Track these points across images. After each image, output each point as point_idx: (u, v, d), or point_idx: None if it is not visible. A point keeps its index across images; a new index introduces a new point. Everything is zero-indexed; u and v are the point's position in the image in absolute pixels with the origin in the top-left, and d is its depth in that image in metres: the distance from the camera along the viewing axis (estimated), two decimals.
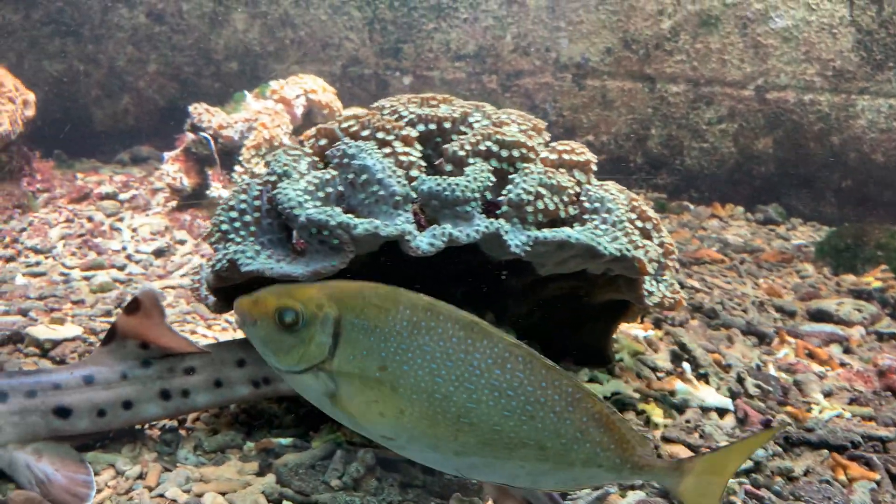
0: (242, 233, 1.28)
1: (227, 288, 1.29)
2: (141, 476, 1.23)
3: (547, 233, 1.17)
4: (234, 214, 1.29)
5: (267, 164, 1.29)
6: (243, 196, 1.30)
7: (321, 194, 1.22)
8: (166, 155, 2.41)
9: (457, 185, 1.18)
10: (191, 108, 2.39)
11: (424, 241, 1.15)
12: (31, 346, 1.61)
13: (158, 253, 2.14)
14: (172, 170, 2.34)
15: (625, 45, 2.82)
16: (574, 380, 0.88)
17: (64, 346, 1.62)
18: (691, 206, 2.86)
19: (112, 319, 1.79)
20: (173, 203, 2.43)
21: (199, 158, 2.38)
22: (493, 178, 1.21)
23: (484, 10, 2.87)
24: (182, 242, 2.20)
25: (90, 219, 2.30)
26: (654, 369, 1.56)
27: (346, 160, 1.24)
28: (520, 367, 0.85)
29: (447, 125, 1.29)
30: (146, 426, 1.36)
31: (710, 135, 2.85)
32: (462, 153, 1.23)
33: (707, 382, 1.49)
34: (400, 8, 2.89)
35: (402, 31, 2.91)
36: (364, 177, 1.20)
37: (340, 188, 1.23)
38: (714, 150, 2.86)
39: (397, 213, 1.17)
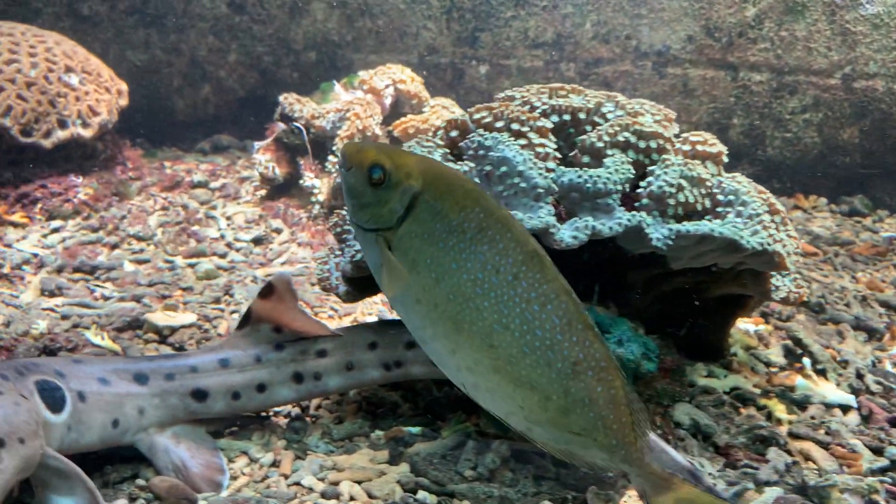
0: None
1: (361, 278, 1.32)
2: (275, 464, 1.26)
3: (689, 226, 1.17)
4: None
5: None
6: None
7: None
8: (257, 144, 2.45)
9: (598, 177, 1.18)
10: (281, 98, 2.42)
11: (568, 234, 1.16)
12: (150, 333, 1.66)
13: (257, 241, 2.18)
14: (264, 159, 2.38)
15: (707, 32, 2.78)
16: (606, 350, 0.86)
17: (181, 333, 1.67)
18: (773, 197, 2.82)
19: (222, 307, 1.83)
20: (262, 192, 2.46)
21: (289, 148, 2.41)
22: (634, 171, 1.21)
23: None
24: (278, 231, 2.23)
25: (185, 207, 2.35)
26: (768, 364, 1.55)
27: (482, 152, 1.25)
28: (559, 312, 0.84)
29: (581, 116, 1.29)
30: (272, 413, 1.39)
31: (793, 124, 2.80)
32: (600, 144, 1.23)
33: (826, 378, 1.48)
34: None
35: (480, 19, 2.91)
36: (503, 168, 1.21)
37: (476, 180, 1.24)
38: (797, 140, 2.82)
39: (538, 205, 1.18)
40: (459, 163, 1.26)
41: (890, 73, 2.70)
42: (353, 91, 2.40)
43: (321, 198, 2.29)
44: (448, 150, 1.32)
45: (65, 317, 1.71)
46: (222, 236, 2.20)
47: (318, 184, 2.30)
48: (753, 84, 2.79)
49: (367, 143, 0.87)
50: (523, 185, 1.19)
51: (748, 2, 2.73)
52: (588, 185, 1.18)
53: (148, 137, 2.93)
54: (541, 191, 1.18)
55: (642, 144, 1.24)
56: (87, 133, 2.24)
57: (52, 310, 1.74)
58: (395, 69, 2.42)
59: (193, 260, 2.06)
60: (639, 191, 1.22)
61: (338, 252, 1.43)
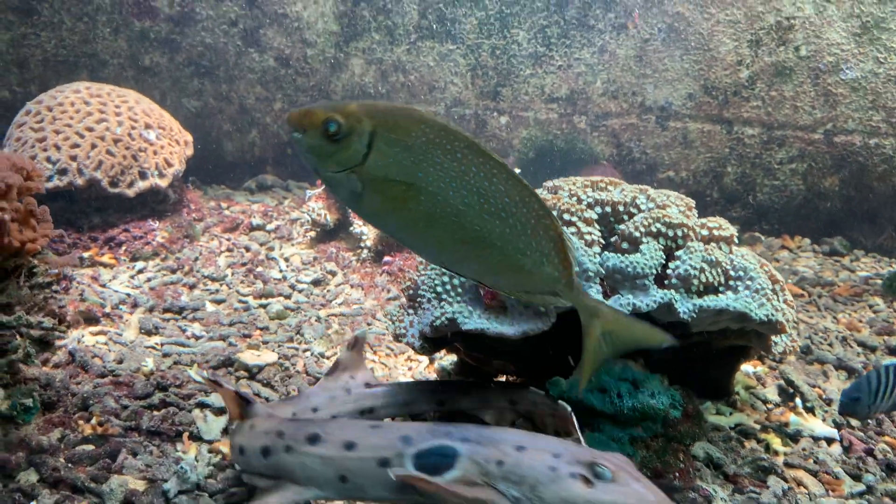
0: (452, 294, 1.61)
1: (436, 338, 1.62)
2: None
3: (709, 301, 1.49)
4: (446, 279, 1.61)
5: None
6: None
7: None
8: (309, 192, 2.74)
9: (637, 262, 1.50)
10: None
11: None
12: (241, 370, 1.96)
13: (316, 283, 2.47)
14: (317, 206, 2.68)
15: (705, 91, 3.11)
16: (541, 201, 1.06)
17: (267, 370, 1.96)
18: (762, 238, 3.16)
19: (296, 346, 2.13)
20: (313, 234, 2.76)
21: None
22: (664, 256, 1.53)
23: (577, 59, 3.17)
24: (333, 273, 2.53)
25: (248, 248, 2.64)
26: (766, 402, 1.87)
27: None
28: (503, 181, 1.03)
29: (620, 208, 1.61)
30: None
31: (780, 173, 3.14)
32: (637, 234, 1.55)
33: (814, 415, 1.81)
34: (500, 56, 3.20)
35: (502, 76, 3.22)
36: None
37: None
38: (784, 187, 3.15)
39: (588, 285, 1.49)
40: None
41: (866, 129, 3.04)
42: None
43: (369, 243, 2.59)
44: None
45: (166, 355, 2.00)
46: (284, 277, 2.50)
47: (366, 231, 2.60)
48: (746, 137, 3.13)
49: (308, 106, 1.05)
50: (576, 268, 1.50)
51: (742, 65, 3.07)
52: (629, 269, 1.50)
53: (200, 176, 3.22)
54: (591, 273, 1.49)
55: (671, 233, 1.56)
56: (163, 183, 2.53)
57: (153, 348, 2.03)
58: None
59: (264, 301, 2.35)
60: (668, 271, 1.54)
61: (410, 311, 1.73)
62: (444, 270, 1.63)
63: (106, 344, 2.01)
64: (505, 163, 1.04)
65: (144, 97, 2.69)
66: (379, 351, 2.15)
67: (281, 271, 2.53)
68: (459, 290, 1.61)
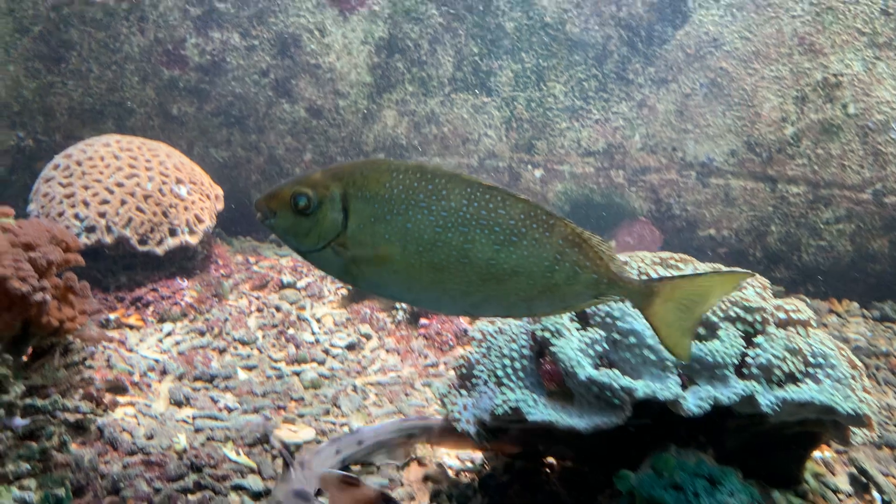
0: (514, 378, 1.50)
1: (496, 427, 1.51)
2: None
3: (793, 394, 1.38)
4: (507, 362, 1.51)
5: (538, 317, 1.51)
6: (514, 346, 1.52)
7: (591, 352, 1.44)
8: None
9: (717, 351, 1.39)
10: None
11: (693, 405, 1.36)
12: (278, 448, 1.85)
13: (350, 347, 2.37)
14: None
15: (749, 147, 3.03)
16: (546, 208, 0.99)
17: (304, 448, 1.85)
18: (808, 301, 3.04)
19: (333, 419, 2.02)
20: (344, 292, 2.66)
21: None
22: (745, 345, 1.42)
23: (615, 112, 3.10)
24: (367, 337, 2.43)
25: (278, 308, 2.54)
26: (837, 492, 1.75)
27: (609, 320, 1.45)
28: (500, 204, 0.96)
29: None
30: None
31: (827, 233, 3.04)
32: (714, 318, 1.45)
33: None
34: (536, 109, 3.13)
35: (537, 129, 3.15)
36: (632, 339, 1.42)
37: (605, 346, 1.45)
38: (831, 248, 3.05)
39: (666, 375, 1.38)
40: (588, 329, 1.46)
41: None
42: None
43: (404, 304, 2.49)
44: (573, 313, 1.53)
45: (198, 430, 1.89)
46: (317, 340, 2.39)
47: None
48: (791, 195, 3.03)
49: (272, 188, 1.00)
50: (652, 357, 1.39)
51: (787, 122, 2.98)
52: (708, 357, 1.39)
53: (225, 227, 3.14)
54: (668, 363, 1.38)
55: (749, 318, 1.45)
56: (193, 240, 2.44)
57: (185, 421, 1.92)
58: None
59: (297, 367, 2.24)
60: (747, 359, 1.43)
61: (464, 392, 1.63)
62: (503, 352, 1.52)
63: (135, 416, 1.90)
64: (494, 184, 0.98)
65: (175, 150, 2.62)
66: None
67: (314, 334, 2.43)
68: (521, 374, 1.50)
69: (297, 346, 2.35)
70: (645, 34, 3.02)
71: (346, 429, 1.98)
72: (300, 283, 2.72)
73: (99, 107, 3.06)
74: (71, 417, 1.43)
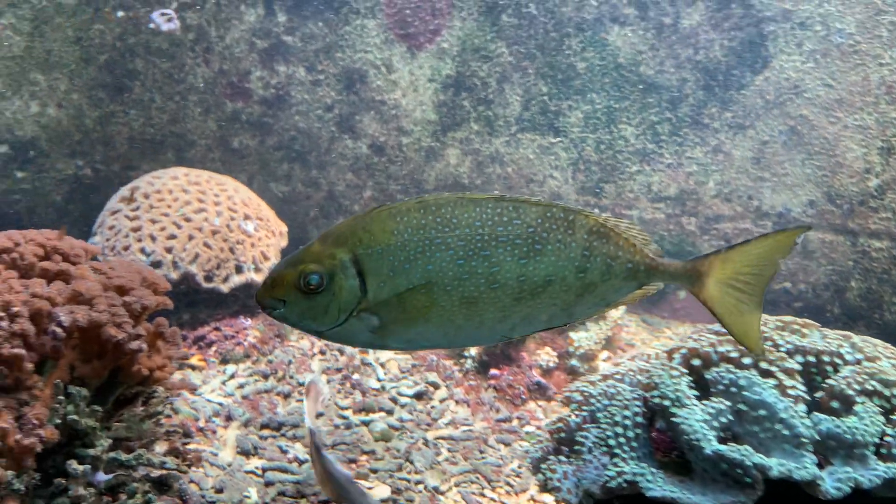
0: (627, 448, 1.39)
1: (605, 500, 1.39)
2: None
3: None
4: (619, 430, 1.39)
5: (652, 383, 1.40)
6: (626, 413, 1.41)
7: (716, 424, 1.32)
8: None
9: (857, 428, 1.27)
10: None
11: (832, 487, 1.23)
12: None
13: (418, 396, 2.26)
14: None
15: (829, 199, 2.91)
16: (561, 204, 0.92)
17: None
18: None
19: (406, 476, 1.91)
20: None
21: None
22: (884, 422, 1.30)
23: (689, 157, 3.00)
24: (435, 386, 2.32)
25: (341, 351, 2.44)
26: None
27: (734, 389, 1.34)
28: (514, 214, 0.90)
29: (825, 358, 1.39)
30: None
31: None
32: (850, 392, 1.32)
33: None
34: (605, 151, 3.04)
35: (605, 172, 3.06)
36: (761, 412, 1.30)
37: (729, 417, 1.33)
38: None
39: (801, 454, 1.26)
40: (710, 399, 1.35)
41: None
42: None
43: (473, 352, 2.38)
44: (690, 378, 1.42)
45: (269, 483, 1.79)
46: (383, 388, 2.29)
47: None
48: (873, 250, 2.90)
49: (271, 276, 0.91)
50: (785, 431, 1.27)
51: (871, 173, 2.87)
52: (847, 435, 1.26)
53: None
54: (804, 440, 1.26)
55: (887, 392, 1.33)
56: (258, 277, 2.36)
57: (254, 473, 1.82)
58: None
59: (365, 416, 2.14)
60: (886, 438, 1.30)
61: (563, 459, 1.51)
62: (615, 419, 1.41)
63: (202, 466, 1.80)
64: (498, 194, 0.92)
65: (242, 185, 2.56)
66: (497, 486, 1.92)
67: (379, 380, 2.32)
68: (634, 443, 1.39)
69: (364, 393, 2.25)
70: (722, 78, 2.93)
71: (421, 487, 1.87)
72: None
73: (160, 137, 3.02)
74: (154, 473, 1.33)
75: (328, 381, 2.28)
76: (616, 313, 2.46)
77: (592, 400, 1.52)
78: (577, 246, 0.91)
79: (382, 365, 2.41)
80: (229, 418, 2.02)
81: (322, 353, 2.43)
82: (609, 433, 1.39)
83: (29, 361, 1.19)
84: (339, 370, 2.35)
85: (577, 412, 1.55)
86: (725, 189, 2.99)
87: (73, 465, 1.22)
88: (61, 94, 2.92)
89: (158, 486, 1.31)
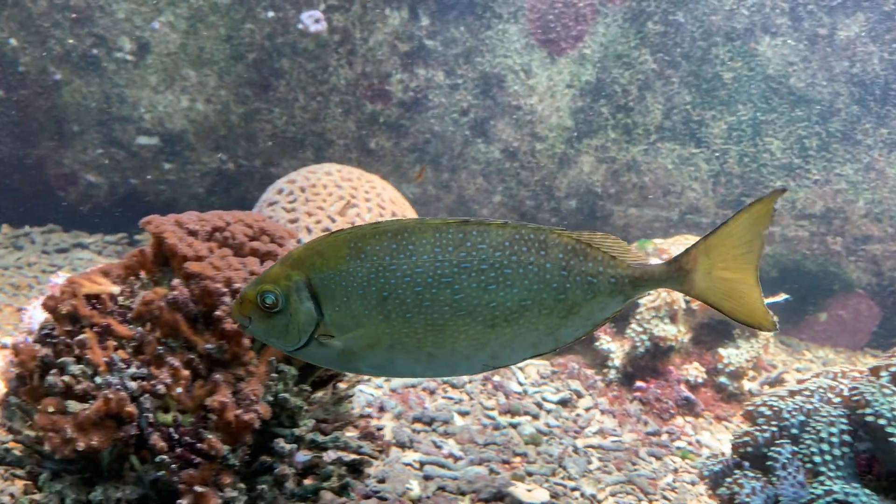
0: (832, 466, 1.32)
1: None
2: None
3: None
4: (825, 447, 1.33)
5: (862, 400, 1.33)
6: (832, 429, 1.34)
7: None
8: None
9: None
10: None
11: None
12: None
13: (563, 403, 2.22)
14: None
15: None
16: (532, 224, 0.86)
17: None
18: None
19: (562, 481, 1.87)
20: None
21: None
22: None
23: (837, 174, 2.88)
24: (578, 394, 2.28)
25: None
26: None
27: None
28: (477, 239, 0.85)
29: None
30: None
31: None
32: None
33: None
34: (749, 164, 2.95)
35: (748, 185, 2.96)
36: None
37: None
38: None
39: None
40: None
41: None
42: (648, 258, 2.46)
43: (617, 363, 2.33)
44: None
45: (428, 477, 1.78)
46: (525, 392, 2.26)
47: (615, 348, 2.35)
48: None
49: (239, 295, 0.90)
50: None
51: None
52: None
53: None
54: None
55: None
56: None
57: (412, 466, 1.82)
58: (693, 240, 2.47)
59: (511, 418, 2.11)
60: None
61: (750, 475, 1.45)
62: (821, 436, 1.34)
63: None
64: (465, 218, 0.87)
65: (388, 184, 2.59)
66: (654, 500, 1.86)
67: (521, 384, 2.30)
68: (840, 461, 1.32)
69: (507, 396, 2.22)
70: (880, 93, 2.81)
71: (577, 494, 1.83)
72: None
73: (300, 136, 3.09)
74: (347, 457, 1.34)
75: (469, 381, 2.27)
76: (766, 332, 2.36)
77: (785, 415, 1.46)
78: (552, 267, 0.87)
79: (521, 369, 2.39)
80: (382, 409, 2.03)
81: None
82: (814, 450, 1.32)
83: (247, 337, 1.22)
84: None
85: (764, 427, 1.49)
86: (876, 209, 2.85)
87: (281, 443, 1.23)
88: (210, 90, 3.03)
89: (351, 469, 1.32)
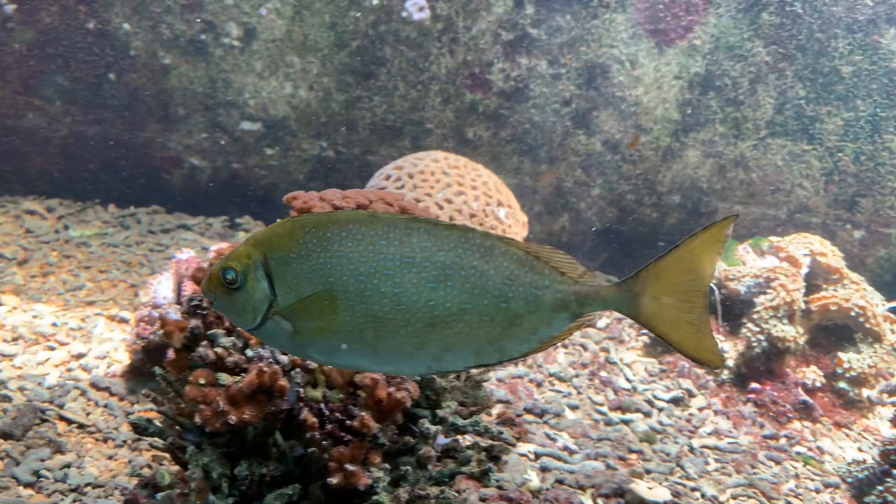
0: None
1: None
2: None
3: None
4: None
5: None
6: None
7: None
8: None
9: None
10: None
11: None
12: None
13: (675, 402, 2.16)
14: None
15: None
16: (482, 231, 0.86)
17: None
18: None
19: (681, 481, 1.81)
20: (645, 339, 2.47)
21: None
22: None
23: None
24: (690, 393, 2.21)
25: (584, 347, 2.38)
26: None
27: None
28: (424, 237, 0.85)
29: None
30: None
31: None
32: None
33: None
34: (865, 163, 2.81)
35: (863, 185, 2.83)
36: None
37: None
38: None
39: None
40: None
41: None
42: (763, 256, 2.37)
43: (730, 363, 2.25)
44: None
45: (545, 469, 1.75)
46: (634, 388, 2.20)
47: (728, 347, 2.27)
48: None
49: (208, 271, 0.95)
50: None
51: None
52: None
53: None
54: None
55: None
56: None
57: (527, 457, 1.79)
58: (815, 240, 2.38)
59: (622, 415, 2.06)
60: None
61: None
62: None
63: None
64: (418, 216, 0.88)
65: (493, 174, 2.56)
66: None
67: (629, 381, 2.24)
68: None
69: (616, 392, 2.17)
70: None
71: (698, 494, 1.77)
72: (599, 323, 2.55)
73: (399, 124, 3.09)
74: (483, 442, 1.32)
75: (576, 376, 2.23)
76: (893, 336, 2.25)
77: None
78: (495, 274, 0.86)
79: (628, 365, 2.33)
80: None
81: (564, 346, 2.38)
82: None
83: None
84: (584, 365, 2.29)
85: None
86: None
87: (426, 424, 1.22)
88: (313, 77, 3.06)
89: (489, 456, 1.29)
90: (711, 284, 2.34)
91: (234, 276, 0.90)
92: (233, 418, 1.13)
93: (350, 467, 1.12)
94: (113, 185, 3.15)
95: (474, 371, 1.36)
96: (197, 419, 1.15)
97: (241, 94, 3.07)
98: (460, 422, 1.28)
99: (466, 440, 1.34)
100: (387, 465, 1.19)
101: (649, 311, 0.85)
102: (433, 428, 1.21)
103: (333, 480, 1.13)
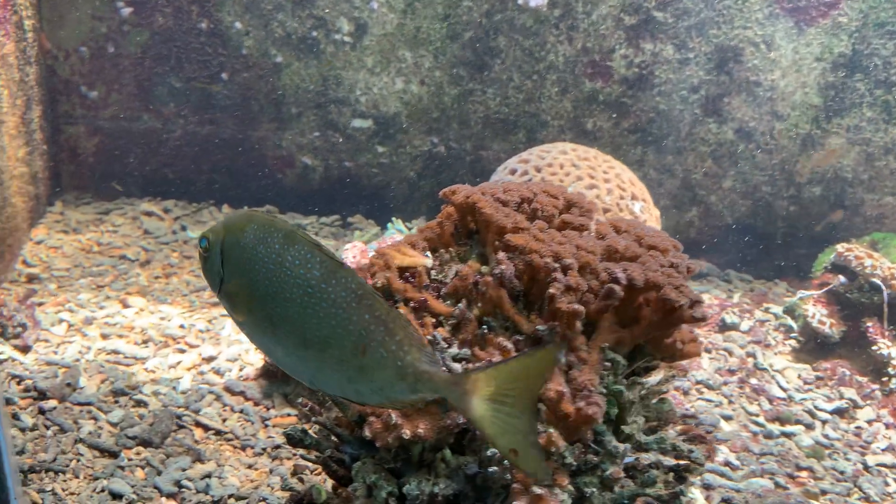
0: None
1: None
2: None
3: None
4: None
5: None
6: None
7: None
8: (803, 293, 2.27)
9: None
10: (840, 248, 2.23)
11: None
12: None
13: (839, 413, 1.96)
14: (819, 312, 2.18)
15: None
16: (360, 279, 0.90)
17: None
18: None
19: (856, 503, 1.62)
20: (794, 343, 2.27)
21: (846, 303, 2.20)
22: None
23: None
24: (855, 404, 2.00)
25: (729, 352, 2.20)
26: None
27: None
28: (317, 267, 0.91)
29: None
30: None
31: None
32: None
33: None
34: None
35: None
36: None
37: None
38: None
39: None
40: None
41: None
42: None
43: (890, 369, 2.03)
44: None
45: (707, 486, 1.60)
46: (790, 398, 2.01)
47: (895, 353, 2.05)
48: None
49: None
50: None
51: None
52: None
53: None
54: None
55: None
56: None
57: None
58: None
59: (783, 427, 1.88)
60: None
61: None
62: None
63: None
64: (320, 244, 0.93)
65: (626, 167, 2.41)
66: None
67: (783, 389, 2.05)
68: None
69: (770, 401, 1.99)
70: None
71: None
72: (743, 326, 2.36)
73: (513, 117, 2.97)
74: (668, 461, 1.18)
75: (724, 383, 2.05)
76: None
77: None
78: (357, 320, 0.90)
79: (779, 372, 2.14)
80: None
81: (707, 350, 2.21)
82: None
83: (579, 320, 1.08)
84: (732, 372, 2.11)
85: None
86: None
87: (614, 441, 1.09)
88: (425, 71, 2.96)
89: (678, 477, 1.15)
90: (879, 282, 2.12)
91: (205, 246, 0.99)
92: (406, 432, 1.03)
93: (538, 490, 1.01)
94: (227, 186, 3.14)
95: (653, 381, 1.23)
96: (366, 432, 1.06)
97: (353, 90, 3.01)
98: (643, 438, 1.15)
99: (647, 458, 1.20)
100: (571, 488, 1.07)
101: (479, 412, 0.87)
102: (621, 446, 1.08)
103: None
